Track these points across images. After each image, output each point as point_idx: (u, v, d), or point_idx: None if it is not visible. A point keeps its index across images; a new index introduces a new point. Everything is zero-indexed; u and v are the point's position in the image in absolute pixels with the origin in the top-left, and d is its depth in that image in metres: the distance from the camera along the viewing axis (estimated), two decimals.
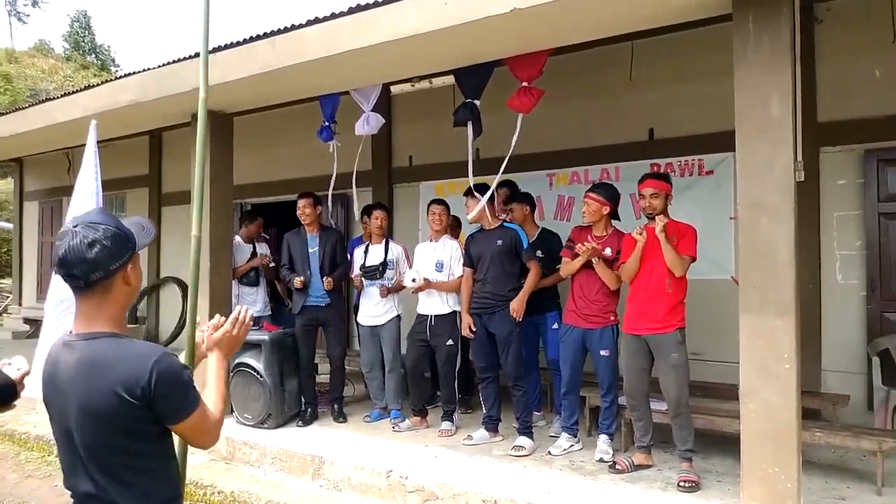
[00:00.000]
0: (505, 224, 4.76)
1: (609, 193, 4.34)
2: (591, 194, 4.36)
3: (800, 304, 3.19)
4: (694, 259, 3.90)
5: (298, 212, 5.37)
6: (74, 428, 1.53)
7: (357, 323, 5.56)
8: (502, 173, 4.45)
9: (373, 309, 5.33)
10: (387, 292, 5.25)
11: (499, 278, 4.60)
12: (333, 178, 5.46)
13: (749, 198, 3.23)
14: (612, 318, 4.29)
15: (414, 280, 4.89)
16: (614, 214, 4.41)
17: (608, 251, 4.24)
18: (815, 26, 5.14)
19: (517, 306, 4.52)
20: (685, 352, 3.88)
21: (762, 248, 3.18)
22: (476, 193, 4.63)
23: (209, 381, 1.77)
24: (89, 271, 1.50)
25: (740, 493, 3.26)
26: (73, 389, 1.52)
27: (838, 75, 5.09)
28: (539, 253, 4.80)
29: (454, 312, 4.97)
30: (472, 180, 4.60)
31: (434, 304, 5.01)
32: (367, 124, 5.07)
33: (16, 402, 1.86)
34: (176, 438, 1.67)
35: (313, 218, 5.41)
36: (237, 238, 6.06)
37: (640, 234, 3.88)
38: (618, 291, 4.30)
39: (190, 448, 1.85)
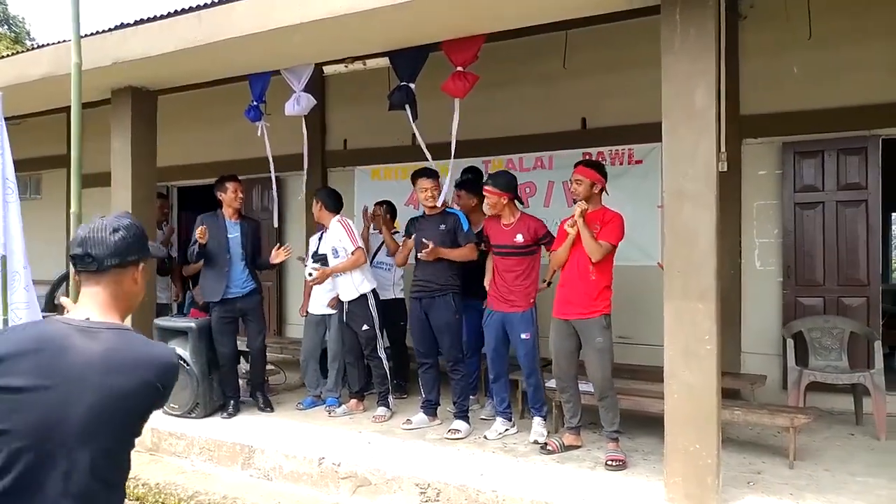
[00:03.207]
0: (447, 210, 4.72)
1: (505, 182, 4.37)
2: (487, 187, 4.39)
3: (721, 289, 3.33)
4: (614, 247, 3.96)
5: (229, 195, 5.07)
6: (79, 418, 1.39)
7: (307, 311, 5.48)
8: (453, 157, 4.51)
9: (322, 298, 5.27)
10: (323, 277, 5.13)
11: (439, 264, 4.56)
12: (271, 160, 5.31)
13: (673, 186, 3.33)
14: (532, 301, 4.36)
15: (311, 275, 4.90)
16: (520, 200, 4.50)
17: (519, 237, 4.31)
18: (739, 22, 5.33)
19: (433, 248, 4.41)
20: (610, 336, 3.97)
21: (685, 235, 3.29)
22: (431, 176, 4.63)
23: None
24: (107, 255, 1.56)
25: (664, 469, 3.38)
26: (95, 378, 1.42)
27: (760, 70, 5.30)
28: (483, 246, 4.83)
29: (364, 296, 4.94)
30: (432, 163, 4.63)
31: (344, 291, 4.97)
32: (298, 104, 4.94)
33: None
34: None
35: (242, 202, 5.23)
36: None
37: (572, 226, 3.95)
38: (537, 277, 4.40)
39: None
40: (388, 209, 5.69)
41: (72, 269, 1.66)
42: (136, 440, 1.56)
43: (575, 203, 4.12)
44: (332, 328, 5.25)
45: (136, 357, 1.52)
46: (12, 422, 1.38)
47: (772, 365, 5.23)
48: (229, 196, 5.10)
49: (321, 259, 5.09)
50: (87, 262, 1.56)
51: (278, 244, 5.13)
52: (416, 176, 4.69)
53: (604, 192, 4.11)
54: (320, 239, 5.30)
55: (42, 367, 1.41)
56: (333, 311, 5.22)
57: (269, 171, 5.47)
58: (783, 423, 3.94)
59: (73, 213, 2.07)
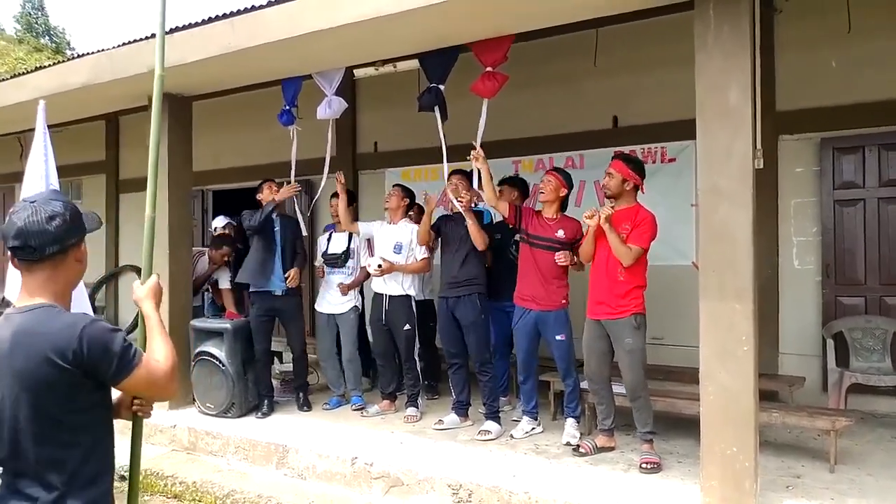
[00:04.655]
0: (474, 209, 4.72)
1: (568, 177, 4.41)
2: (553, 171, 4.41)
3: (758, 288, 3.26)
4: (645, 250, 3.86)
5: (266, 194, 5.24)
6: (7, 401, 1.49)
7: (315, 310, 5.51)
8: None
9: (332, 297, 5.29)
10: (347, 289, 5.20)
11: (465, 263, 4.59)
12: (293, 163, 5.37)
13: (708, 184, 3.28)
14: (564, 301, 4.32)
15: (379, 266, 4.83)
16: (565, 204, 4.44)
17: (561, 233, 4.27)
18: (774, 17, 5.22)
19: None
20: (642, 337, 3.89)
21: (721, 234, 3.23)
22: (459, 173, 4.66)
23: (153, 334, 1.74)
24: (47, 243, 1.54)
25: (700, 473, 3.33)
26: (8, 361, 1.49)
27: (797, 65, 5.18)
28: (498, 236, 4.83)
29: (409, 296, 4.96)
30: (445, 165, 4.61)
31: (390, 285, 4.97)
32: (329, 108, 4.99)
33: None
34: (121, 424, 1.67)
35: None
36: (205, 256, 5.96)
37: (591, 217, 3.90)
38: (566, 275, 4.34)
39: (150, 439, 1.83)
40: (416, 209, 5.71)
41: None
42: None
43: (605, 195, 4.08)
44: (345, 329, 5.25)
45: (35, 334, 1.50)
46: None
47: (811, 366, 5.10)
48: (266, 195, 5.25)
49: (332, 260, 5.21)
50: (28, 253, 1.54)
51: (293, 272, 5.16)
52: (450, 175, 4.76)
53: (638, 191, 4.01)
54: (329, 239, 5.38)
55: None
56: (342, 312, 5.24)
57: (300, 175, 5.51)
58: (824, 426, 3.84)
59: (147, 216, 2.08)
